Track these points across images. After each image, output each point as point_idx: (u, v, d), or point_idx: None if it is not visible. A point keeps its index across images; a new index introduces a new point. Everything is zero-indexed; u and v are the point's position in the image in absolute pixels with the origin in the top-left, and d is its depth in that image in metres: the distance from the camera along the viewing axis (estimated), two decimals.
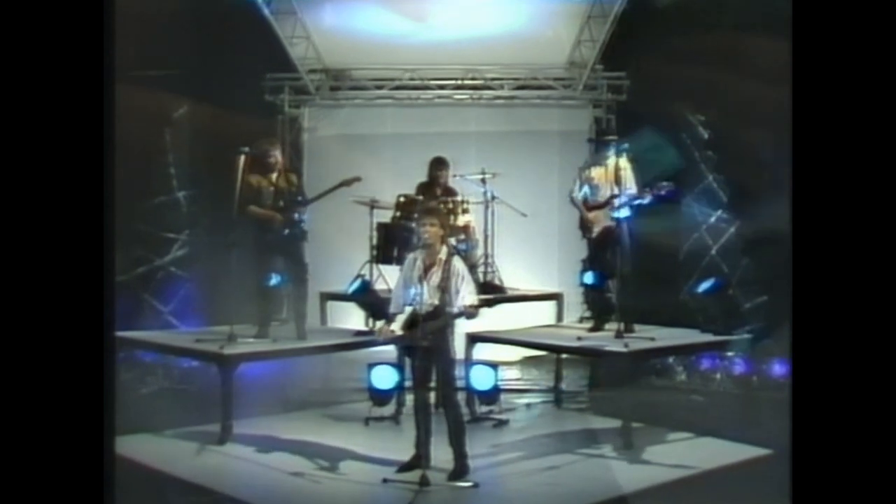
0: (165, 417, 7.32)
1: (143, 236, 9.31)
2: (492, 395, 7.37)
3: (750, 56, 8.11)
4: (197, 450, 6.86)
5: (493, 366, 7.32)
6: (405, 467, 6.24)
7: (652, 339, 7.51)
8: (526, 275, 9.68)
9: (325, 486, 6.15)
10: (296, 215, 7.80)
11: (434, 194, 8.79)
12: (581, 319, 9.69)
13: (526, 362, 9.98)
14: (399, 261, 8.08)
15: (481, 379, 7.26)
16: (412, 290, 6.20)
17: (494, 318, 8.05)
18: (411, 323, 6.20)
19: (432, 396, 6.42)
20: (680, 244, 9.38)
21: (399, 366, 7.21)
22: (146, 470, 6.20)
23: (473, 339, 7.88)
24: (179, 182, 9.64)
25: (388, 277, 8.48)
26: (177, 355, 8.38)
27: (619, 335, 7.51)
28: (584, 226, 8.16)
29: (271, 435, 7.20)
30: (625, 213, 7.72)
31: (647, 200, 7.69)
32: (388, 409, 7.54)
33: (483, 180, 8.92)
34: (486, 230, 8.93)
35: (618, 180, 7.70)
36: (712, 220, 9.35)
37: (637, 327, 7.80)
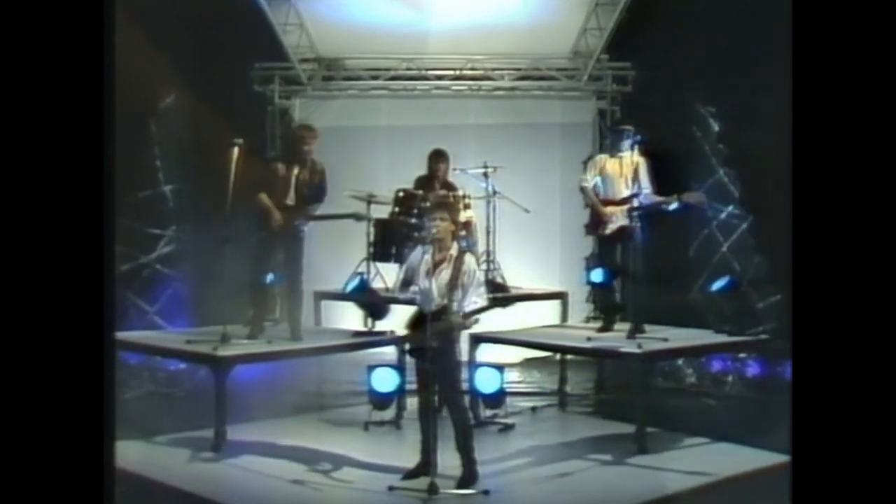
0: (152, 423, 7.05)
1: (127, 232, 8.89)
2: (497, 399, 7.30)
3: (761, 46, 7.88)
4: (189, 457, 6.60)
5: (499, 368, 7.28)
6: (411, 474, 5.99)
7: (665, 339, 7.33)
8: (528, 272, 9.44)
9: (326, 494, 5.92)
10: (297, 222, 7.56)
11: (433, 188, 8.54)
12: (587, 319, 9.50)
13: (527, 364, 9.79)
14: (398, 258, 7.97)
15: (486, 381, 7.19)
16: (418, 287, 5.96)
17: (497, 319, 7.77)
18: (417, 322, 5.92)
19: (437, 400, 6.15)
20: (689, 241, 9.13)
21: (400, 368, 7.16)
22: (134, 478, 5.83)
23: (478, 339, 7.65)
24: (166, 176, 9.39)
25: (385, 276, 8.21)
26: (167, 357, 8.13)
27: (631, 336, 7.34)
28: (597, 220, 7.87)
29: (267, 441, 6.95)
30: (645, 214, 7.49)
31: (672, 207, 7.51)
32: (389, 413, 7.41)
33: (485, 174, 8.63)
34: (488, 226, 8.66)
35: (635, 177, 7.51)
36: (723, 215, 9.10)
37: (647, 328, 7.56)
